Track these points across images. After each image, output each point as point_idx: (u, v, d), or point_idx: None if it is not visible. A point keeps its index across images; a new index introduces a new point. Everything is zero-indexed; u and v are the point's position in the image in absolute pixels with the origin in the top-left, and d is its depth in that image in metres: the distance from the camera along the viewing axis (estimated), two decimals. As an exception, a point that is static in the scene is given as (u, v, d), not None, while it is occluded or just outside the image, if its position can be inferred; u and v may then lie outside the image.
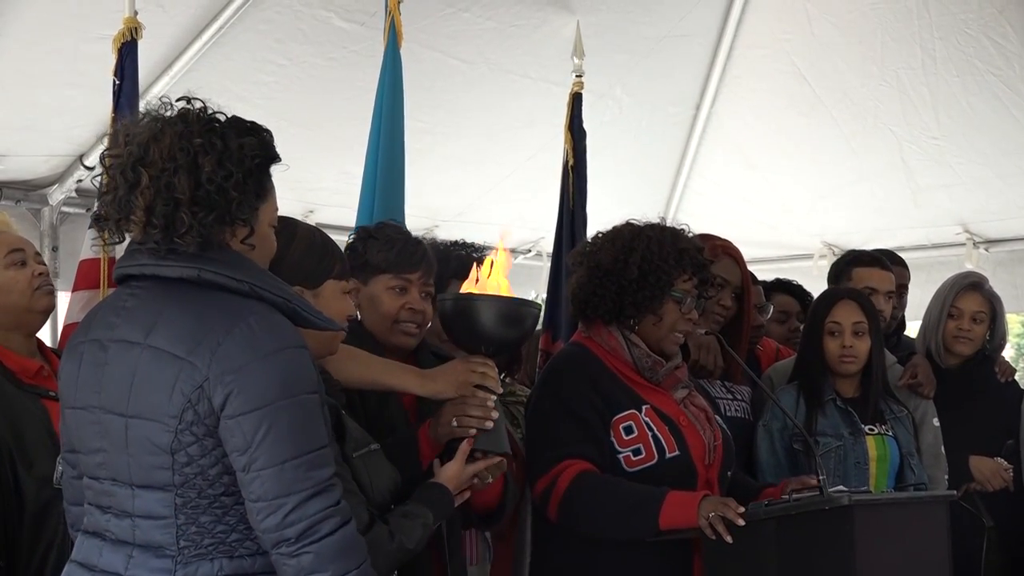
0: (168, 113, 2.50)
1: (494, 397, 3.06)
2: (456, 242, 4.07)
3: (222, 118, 2.52)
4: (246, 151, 2.48)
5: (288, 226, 2.89)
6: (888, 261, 4.94)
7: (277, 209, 2.61)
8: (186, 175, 2.42)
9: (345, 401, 2.88)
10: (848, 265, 4.92)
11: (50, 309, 3.61)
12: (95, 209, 2.59)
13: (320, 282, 2.92)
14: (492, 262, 3.11)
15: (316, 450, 2.43)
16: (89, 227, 2.52)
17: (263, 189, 2.54)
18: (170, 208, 2.42)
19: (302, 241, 2.92)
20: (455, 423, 3.05)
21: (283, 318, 2.48)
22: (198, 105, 2.52)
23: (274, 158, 2.56)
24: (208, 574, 2.43)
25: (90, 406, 2.52)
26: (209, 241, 2.44)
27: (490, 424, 3.04)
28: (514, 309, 3.04)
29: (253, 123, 2.56)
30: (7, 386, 3.39)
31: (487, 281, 3.08)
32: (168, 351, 2.41)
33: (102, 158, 2.58)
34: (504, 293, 3.05)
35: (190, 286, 2.45)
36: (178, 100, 2.54)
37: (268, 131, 2.57)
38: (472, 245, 3.91)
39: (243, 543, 2.45)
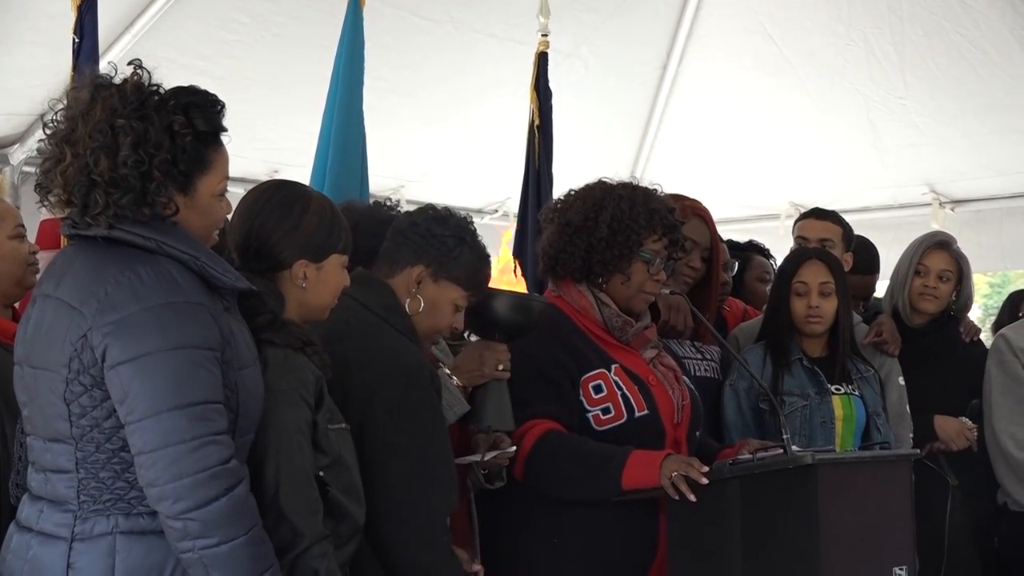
0: (115, 80, 2.48)
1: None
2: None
3: (162, 92, 2.49)
4: (176, 130, 2.45)
5: (302, 197, 2.88)
6: (827, 213, 4.95)
7: (224, 178, 2.57)
8: (105, 156, 2.42)
9: (332, 377, 2.85)
10: (793, 225, 5.09)
11: (32, 287, 3.61)
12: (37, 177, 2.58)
13: (326, 256, 2.86)
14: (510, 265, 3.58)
15: (200, 403, 2.39)
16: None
17: (204, 162, 2.51)
18: (86, 188, 2.43)
19: (315, 215, 2.85)
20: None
21: (186, 274, 2.47)
22: (144, 76, 2.49)
23: (218, 130, 2.53)
24: (104, 530, 2.43)
25: (20, 361, 2.57)
26: (122, 219, 2.44)
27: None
28: (523, 301, 3.41)
29: (200, 93, 2.53)
30: None
31: (501, 279, 3.47)
32: (66, 301, 2.44)
33: (45, 125, 2.55)
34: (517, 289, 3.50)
35: (106, 243, 2.47)
36: (129, 64, 2.51)
37: (215, 101, 2.53)
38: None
39: (142, 501, 2.43)
